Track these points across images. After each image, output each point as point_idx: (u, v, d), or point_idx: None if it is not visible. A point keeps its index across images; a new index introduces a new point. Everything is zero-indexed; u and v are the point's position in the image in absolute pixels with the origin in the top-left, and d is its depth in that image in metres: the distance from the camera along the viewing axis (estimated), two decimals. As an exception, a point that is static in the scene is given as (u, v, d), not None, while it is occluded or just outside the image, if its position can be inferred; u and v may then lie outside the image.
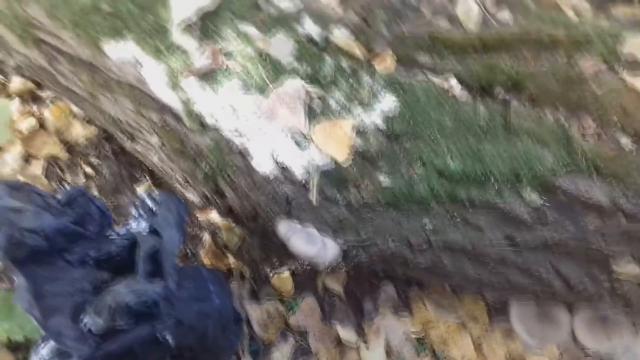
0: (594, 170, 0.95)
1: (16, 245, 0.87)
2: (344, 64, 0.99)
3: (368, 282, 1.43)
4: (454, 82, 0.96)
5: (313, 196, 0.95)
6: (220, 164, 1.00)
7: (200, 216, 1.41)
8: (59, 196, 1.02)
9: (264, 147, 0.95)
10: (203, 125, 1.00)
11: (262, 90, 0.95)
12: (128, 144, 1.22)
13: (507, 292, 1.16)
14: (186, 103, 0.99)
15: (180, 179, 1.13)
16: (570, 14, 1.05)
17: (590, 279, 1.06)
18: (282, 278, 1.39)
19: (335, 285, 1.41)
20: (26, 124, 1.52)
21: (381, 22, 1.03)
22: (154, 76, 1.00)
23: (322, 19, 1.02)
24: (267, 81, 0.95)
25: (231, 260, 1.40)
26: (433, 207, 0.99)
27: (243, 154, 0.97)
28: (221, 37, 0.99)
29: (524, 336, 1.33)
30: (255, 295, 1.40)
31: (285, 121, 0.94)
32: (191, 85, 0.97)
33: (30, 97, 1.58)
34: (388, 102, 0.97)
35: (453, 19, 1.04)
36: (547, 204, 0.96)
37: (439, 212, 1.00)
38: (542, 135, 0.96)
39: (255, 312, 1.37)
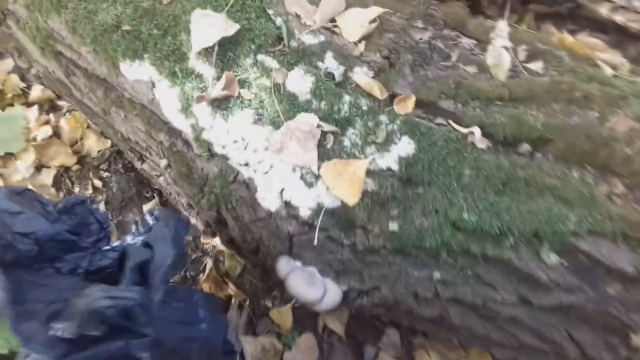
0: (620, 235, 0.89)
1: (6, 247, 0.85)
2: (362, 102, 0.96)
3: (371, 324, 1.37)
4: (476, 130, 0.92)
5: (315, 236, 0.91)
6: (224, 193, 0.97)
7: (205, 241, 1.37)
8: (59, 204, 0.99)
9: (270, 181, 0.92)
10: (211, 153, 0.97)
11: (274, 123, 0.92)
12: (137, 163, 1.21)
13: (516, 352, 1.09)
14: (196, 129, 0.96)
15: (184, 203, 1.10)
16: (607, 69, 1.00)
17: (607, 348, 0.99)
18: (282, 311, 1.35)
19: (336, 325, 1.36)
20: (42, 132, 1.52)
21: (406, 63, 1.00)
22: (167, 99, 0.98)
23: (345, 57, 0.99)
24: (281, 114, 0.92)
25: (231, 288, 1.36)
26: (443, 258, 0.94)
27: (248, 186, 0.94)
28: (238, 66, 0.97)
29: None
30: (252, 328, 1.36)
31: (295, 157, 0.90)
32: (203, 112, 0.95)
33: (49, 106, 1.58)
34: (404, 145, 0.93)
35: (481, 66, 1.00)
36: (566, 265, 0.91)
37: (449, 263, 0.95)
38: (566, 193, 0.90)
39: (250, 346, 1.32)
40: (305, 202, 0.91)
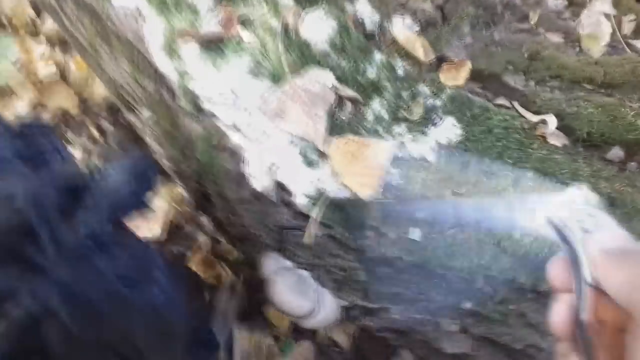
0: None
1: None
2: (397, 65, 0.72)
3: (383, 340, 1.15)
4: (550, 120, 0.67)
5: (310, 232, 0.70)
6: (206, 160, 0.77)
7: (197, 215, 1.18)
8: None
9: (262, 154, 0.70)
10: (197, 107, 0.76)
11: (275, 77, 0.70)
12: (126, 114, 1.02)
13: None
14: (181, 74, 0.76)
15: (167, 167, 0.91)
16: None
17: None
18: (279, 313, 1.14)
19: (341, 337, 1.14)
20: (46, 70, 1.36)
21: (465, 18, 0.75)
22: (152, 33, 0.78)
23: (384, 1, 0.75)
24: (285, 66, 0.70)
25: (223, 269, 1.17)
26: (479, 284, 0.71)
27: (235, 155, 0.73)
28: (243, 1, 0.75)
29: None
30: (246, 322, 1.16)
31: (297, 126, 0.68)
32: (190, 53, 0.74)
33: (59, 42, 1.42)
34: (447, 128, 0.69)
35: (569, 35, 0.74)
36: None
37: (486, 293, 0.71)
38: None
39: (243, 339, 1.12)
40: (303, 187, 0.69)
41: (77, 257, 0.62)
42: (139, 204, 0.74)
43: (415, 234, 0.69)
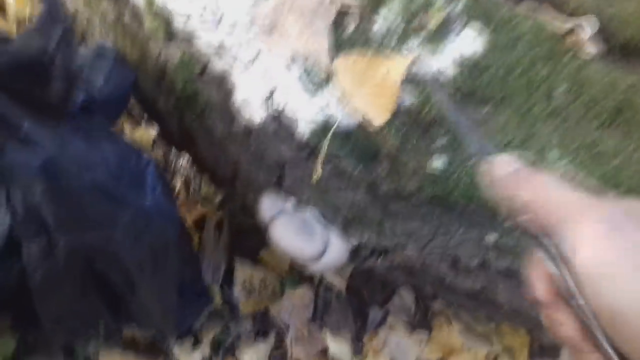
0: None
1: None
2: (408, -36, 0.62)
3: (380, 281, 1.11)
4: (589, 23, 0.59)
5: (318, 166, 0.61)
6: (188, 93, 0.66)
7: (174, 154, 1.08)
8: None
9: (255, 79, 0.61)
10: (170, 30, 0.65)
11: (267, -18, 0.59)
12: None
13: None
14: (149, -11, 0.64)
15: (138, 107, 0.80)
16: None
17: None
18: (273, 250, 1.07)
19: (336, 278, 1.09)
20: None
21: None
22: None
23: None
24: (279, -31, 0.59)
25: (207, 209, 1.09)
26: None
27: (222, 84, 0.63)
28: None
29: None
30: (244, 252, 1.08)
31: (294, 42, 0.58)
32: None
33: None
34: (468, 39, 0.61)
35: None
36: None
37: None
38: None
39: (244, 272, 1.06)
40: (306, 114, 0.60)
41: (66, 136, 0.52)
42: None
43: (438, 162, 0.61)
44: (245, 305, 1.04)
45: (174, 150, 1.09)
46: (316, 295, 1.08)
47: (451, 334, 1.07)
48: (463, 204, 0.64)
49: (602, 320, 0.27)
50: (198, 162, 0.83)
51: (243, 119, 0.63)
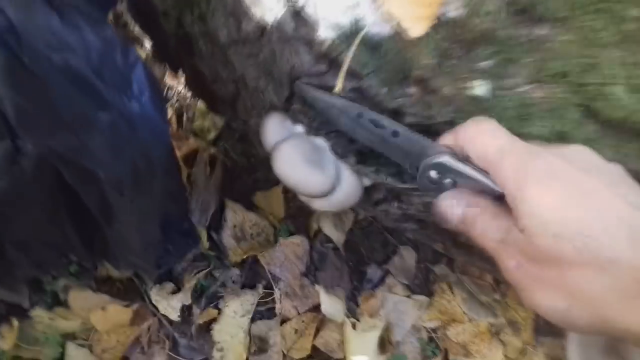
0: None
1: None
2: None
3: (381, 237, 1.03)
4: None
5: (337, 84, 0.52)
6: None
7: (168, 80, 0.98)
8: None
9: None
10: None
11: None
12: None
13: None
14: None
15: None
16: None
17: None
18: (269, 195, 0.99)
19: (334, 232, 1.01)
20: None
21: None
22: None
23: None
24: None
25: (199, 144, 0.99)
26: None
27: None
28: None
29: (580, 372, 0.94)
30: (237, 195, 0.99)
31: None
32: None
33: None
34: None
35: None
36: None
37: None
38: None
39: (235, 213, 0.97)
40: (330, 14, 0.50)
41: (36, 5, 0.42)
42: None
43: (481, 89, 0.52)
44: (233, 252, 0.95)
45: (166, 75, 0.98)
46: (311, 247, 1.00)
47: (452, 301, 1.00)
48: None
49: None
50: (194, 81, 0.72)
51: (254, 19, 0.53)
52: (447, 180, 0.47)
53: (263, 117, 0.61)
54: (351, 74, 0.53)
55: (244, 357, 0.91)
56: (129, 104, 0.51)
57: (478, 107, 0.53)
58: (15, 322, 0.83)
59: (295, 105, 0.58)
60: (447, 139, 0.47)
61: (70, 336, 0.86)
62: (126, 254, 0.72)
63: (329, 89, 0.55)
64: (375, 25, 0.51)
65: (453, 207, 0.43)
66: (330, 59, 0.53)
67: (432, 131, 0.57)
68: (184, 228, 0.79)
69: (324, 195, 0.59)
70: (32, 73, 0.43)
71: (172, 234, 0.76)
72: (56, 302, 0.86)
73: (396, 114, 0.56)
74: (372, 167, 0.62)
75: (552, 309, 0.36)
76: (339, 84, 0.51)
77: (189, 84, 0.79)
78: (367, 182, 0.62)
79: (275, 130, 0.59)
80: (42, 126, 0.49)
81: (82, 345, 0.86)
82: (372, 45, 0.52)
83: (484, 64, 0.52)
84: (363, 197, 0.64)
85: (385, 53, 0.53)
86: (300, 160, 0.56)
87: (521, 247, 0.35)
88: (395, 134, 0.52)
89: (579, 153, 0.40)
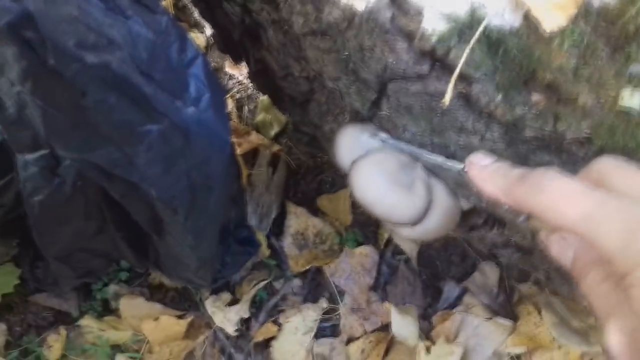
0: None
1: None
2: None
3: (461, 252, 0.92)
4: None
5: (447, 90, 0.41)
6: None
7: (230, 71, 0.90)
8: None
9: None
10: None
11: None
12: None
13: None
14: None
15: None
16: None
17: None
18: (334, 199, 0.90)
19: (407, 243, 0.91)
20: None
21: None
22: None
23: None
24: None
25: (261, 140, 0.90)
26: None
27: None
28: None
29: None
30: (301, 198, 0.91)
31: None
32: None
33: None
34: None
35: None
36: None
37: None
38: None
39: (296, 217, 0.88)
40: (441, 1, 0.40)
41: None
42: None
43: (632, 99, 0.40)
44: (295, 261, 0.87)
45: (227, 63, 0.90)
46: (381, 258, 0.90)
47: (540, 326, 0.88)
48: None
49: None
50: (260, 75, 0.63)
51: (338, 6, 0.43)
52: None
53: (340, 124, 0.51)
54: (463, 77, 0.43)
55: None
56: (184, 110, 0.43)
57: (627, 123, 0.41)
58: (63, 331, 0.79)
59: (385, 111, 0.48)
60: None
61: (120, 347, 0.81)
62: (177, 268, 0.65)
63: (429, 95, 0.44)
64: (496, 17, 0.40)
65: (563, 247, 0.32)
66: (435, 58, 0.42)
67: (557, 149, 0.46)
68: (243, 235, 0.71)
69: (414, 222, 0.49)
70: (60, 78, 0.35)
71: (230, 243, 0.68)
72: (107, 310, 0.81)
73: (513, 127, 0.45)
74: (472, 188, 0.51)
75: None
76: (448, 93, 0.40)
77: (253, 78, 0.70)
78: (466, 205, 0.51)
79: (353, 144, 0.49)
80: (77, 139, 0.42)
81: (132, 358, 0.80)
82: (490, 41, 0.41)
83: (638, 68, 0.40)
84: (461, 221, 0.53)
85: (505, 51, 0.41)
86: (385, 181, 0.47)
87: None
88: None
89: None
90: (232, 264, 0.71)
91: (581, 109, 0.43)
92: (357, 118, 0.52)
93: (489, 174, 0.29)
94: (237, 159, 0.76)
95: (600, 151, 0.45)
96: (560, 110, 0.43)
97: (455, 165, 0.45)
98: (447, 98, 0.40)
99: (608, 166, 0.27)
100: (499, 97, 0.44)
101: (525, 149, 0.46)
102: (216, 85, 0.47)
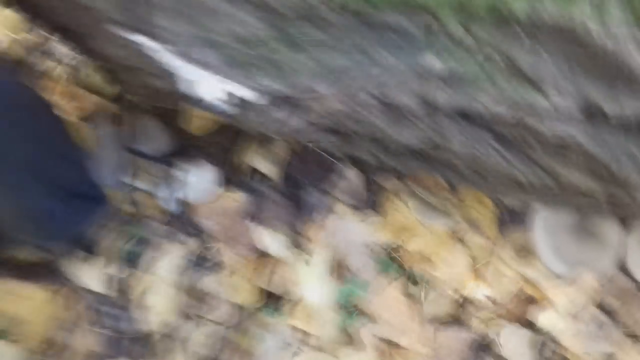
0: None
1: None
2: None
3: (322, 164, 0.96)
4: None
5: None
6: None
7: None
8: None
9: None
10: None
11: None
12: None
13: (554, 197, 0.73)
14: None
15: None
16: None
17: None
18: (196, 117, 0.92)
19: (268, 166, 0.94)
20: None
21: None
22: None
23: None
24: None
25: (98, 100, 0.91)
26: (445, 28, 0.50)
27: None
28: None
29: (550, 258, 0.92)
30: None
31: None
32: None
33: None
34: None
35: None
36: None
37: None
38: None
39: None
40: None
41: None
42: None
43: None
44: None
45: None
46: (248, 189, 0.93)
47: (406, 212, 0.95)
48: (397, 17, 0.48)
49: None
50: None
51: None
52: None
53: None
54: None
55: (186, 315, 0.86)
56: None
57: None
58: None
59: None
60: None
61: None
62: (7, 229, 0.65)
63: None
64: None
65: None
66: None
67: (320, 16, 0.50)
68: (82, 190, 0.71)
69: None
70: None
71: (68, 198, 0.68)
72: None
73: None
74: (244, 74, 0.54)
75: None
76: None
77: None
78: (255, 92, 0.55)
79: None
80: None
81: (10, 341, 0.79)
82: None
83: None
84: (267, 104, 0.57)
85: None
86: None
87: None
88: None
89: None
90: (76, 220, 0.72)
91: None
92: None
93: None
94: (61, 119, 0.76)
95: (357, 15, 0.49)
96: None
97: None
98: None
99: None
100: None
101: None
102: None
